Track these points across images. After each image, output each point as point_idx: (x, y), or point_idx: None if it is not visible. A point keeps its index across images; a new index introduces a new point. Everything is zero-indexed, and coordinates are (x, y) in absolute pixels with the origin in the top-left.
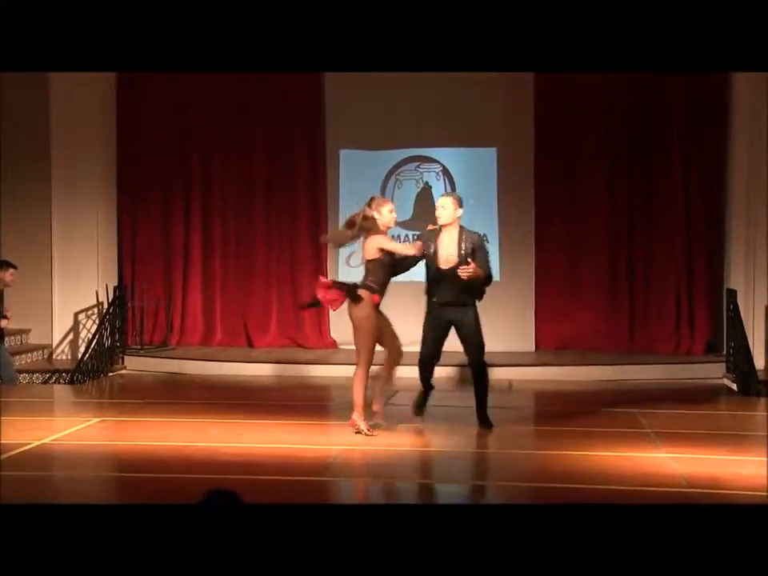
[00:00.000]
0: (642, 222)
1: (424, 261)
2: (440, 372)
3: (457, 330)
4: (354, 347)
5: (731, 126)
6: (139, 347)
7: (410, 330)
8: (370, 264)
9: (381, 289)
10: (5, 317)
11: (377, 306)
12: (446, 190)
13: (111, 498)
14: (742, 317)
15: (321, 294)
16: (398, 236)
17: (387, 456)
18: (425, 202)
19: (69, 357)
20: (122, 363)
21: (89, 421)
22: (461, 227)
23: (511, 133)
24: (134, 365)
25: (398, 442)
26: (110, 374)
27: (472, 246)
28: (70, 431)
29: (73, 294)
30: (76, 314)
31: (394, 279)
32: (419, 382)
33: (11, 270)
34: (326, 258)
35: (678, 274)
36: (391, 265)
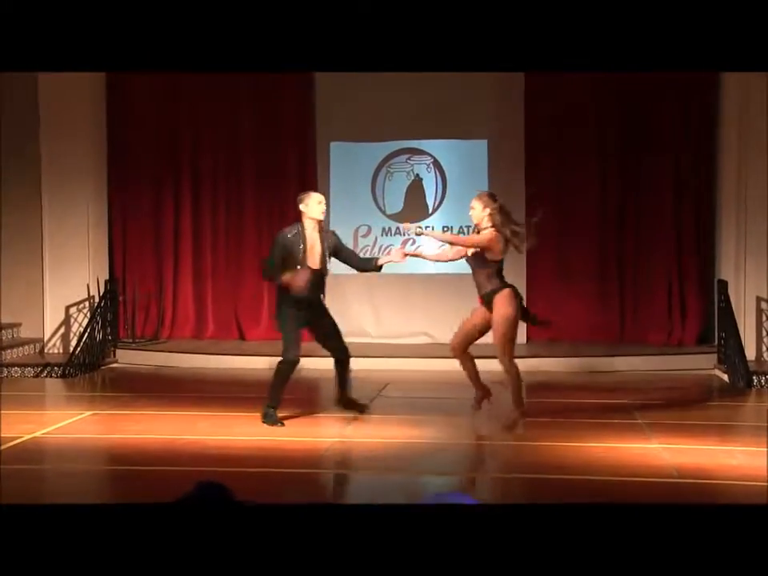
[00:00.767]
0: (633, 213)
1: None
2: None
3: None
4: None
5: (722, 117)
6: (131, 340)
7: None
8: None
9: None
10: None
11: None
12: (436, 182)
13: (102, 491)
14: (733, 308)
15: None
16: (390, 228)
17: (378, 448)
18: (415, 195)
19: (60, 350)
20: (114, 357)
21: (80, 414)
22: (320, 225)
23: (502, 125)
24: (126, 358)
25: (390, 434)
26: (102, 367)
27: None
28: (62, 425)
29: (64, 288)
30: (67, 308)
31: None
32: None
33: None
34: None
35: (669, 264)
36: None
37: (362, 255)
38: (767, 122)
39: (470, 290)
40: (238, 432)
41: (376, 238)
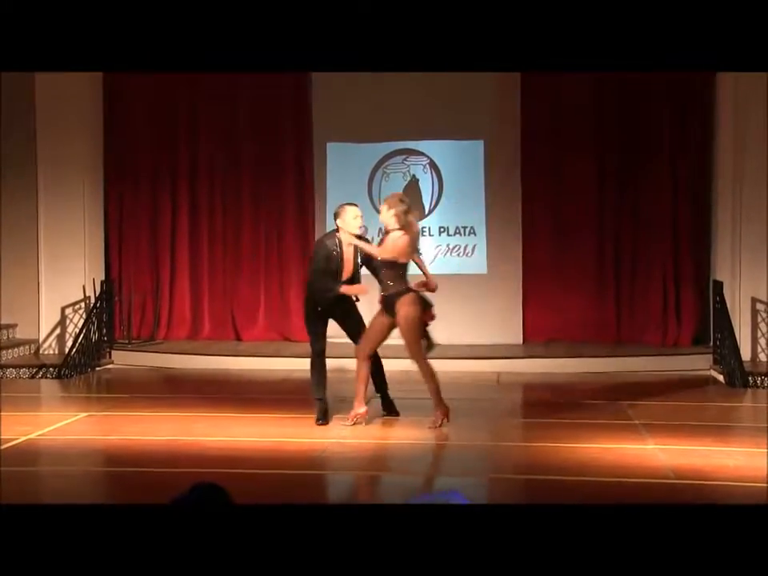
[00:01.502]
0: (629, 213)
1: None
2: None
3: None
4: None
5: (718, 117)
6: (127, 341)
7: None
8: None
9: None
10: None
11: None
12: (432, 183)
13: (98, 493)
14: (728, 308)
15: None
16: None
17: (378, 449)
18: (412, 195)
19: (56, 351)
20: (110, 357)
21: (76, 415)
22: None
23: (498, 125)
24: (122, 359)
25: (390, 435)
26: (98, 368)
27: None
28: (57, 426)
29: (60, 289)
30: (63, 309)
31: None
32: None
33: None
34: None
35: (665, 265)
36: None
37: None
38: (764, 122)
39: (470, 291)
40: (235, 433)
41: (372, 239)
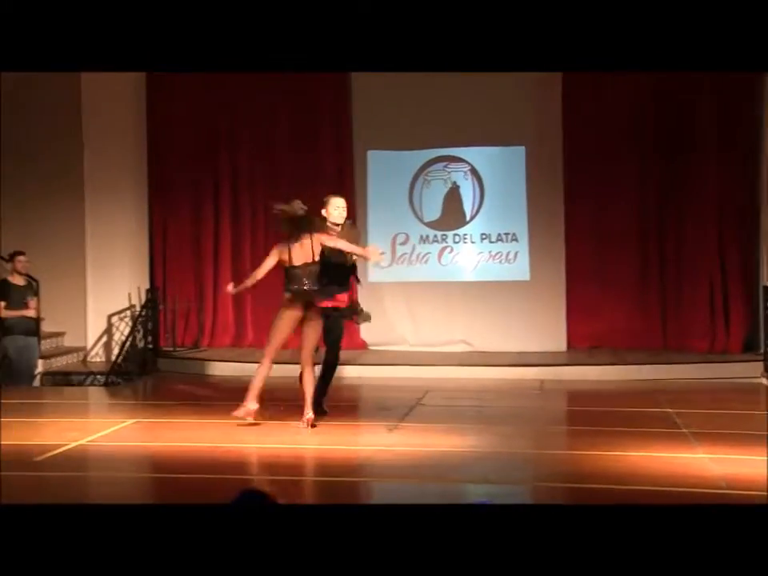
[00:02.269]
0: (674, 217)
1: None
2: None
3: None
4: (384, 348)
5: (765, 117)
6: (171, 349)
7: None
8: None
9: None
10: (26, 306)
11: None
12: (474, 190)
13: (145, 498)
14: None
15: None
16: (428, 236)
17: (418, 456)
18: (453, 202)
19: (103, 359)
20: (155, 365)
21: (123, 422)
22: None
23: (539, 130)
24: (167, 366)
25: (430, 442)
26: (144, 375)
27: None
28: (106, 432)
29: (106, 297)
30: (109, 317)
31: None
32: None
33: (20, 258)
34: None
35: (712, 269)
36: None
37: (400, 263)
38: None
39: (513, 298)
40: (278, 440)
41: (414, 246)
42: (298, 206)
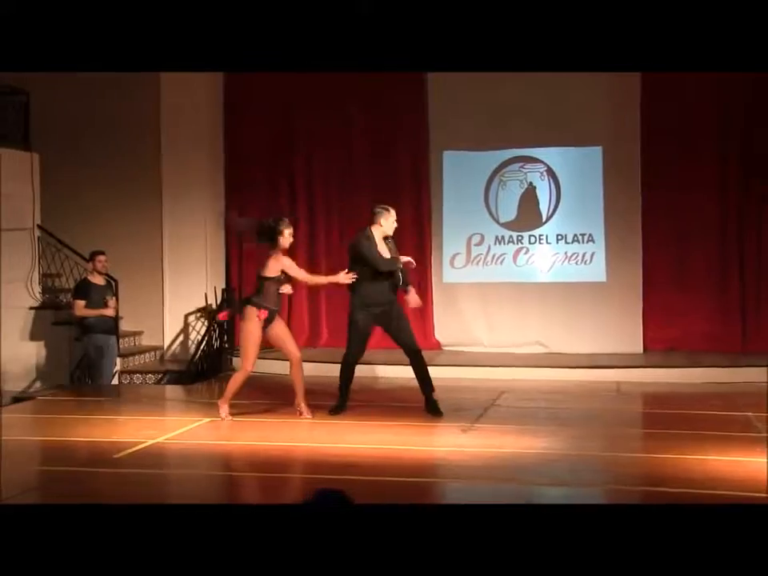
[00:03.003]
0: (755, 217)
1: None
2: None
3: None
4: (458, 348)
5: None
6: None
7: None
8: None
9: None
10: (106, 305)
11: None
12: (550, 190)
13: (221, 496)
14: None
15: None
16: (503, 236)
17: (493, 457)
18: (529, 203)
19: (180, 358)
20: (231, 364)
21: (199, 420)
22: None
23: (617, 130)
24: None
25: (505, 444)
26: (219, 374)
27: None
28: (182, 431)
29: (183, 296)
30: (186, 316)
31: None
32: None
33: (100, 257)
34: (430, 260)
35: None
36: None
37: (475, 264)
38: None
39: (589, 299)
40: (353, 440)
41: (489, 247)
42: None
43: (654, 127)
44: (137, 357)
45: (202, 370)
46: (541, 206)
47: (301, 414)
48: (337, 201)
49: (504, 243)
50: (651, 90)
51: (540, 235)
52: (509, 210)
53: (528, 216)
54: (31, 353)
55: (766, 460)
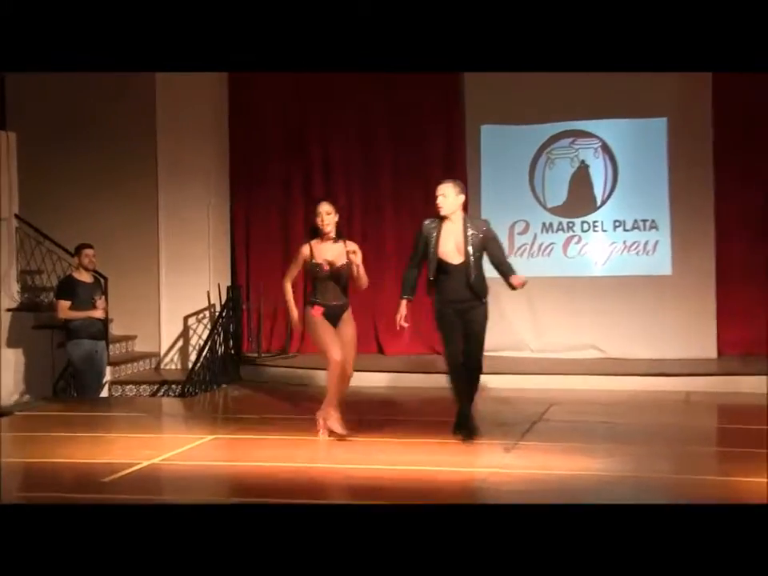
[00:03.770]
0: None
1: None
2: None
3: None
4: (500, 354)
5: None
6: (256, 355)
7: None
8: None
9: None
10: (93, 306)
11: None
12: (605, 170)
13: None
14: None
15: None
16: (551, 223)
17: (539, 480)
18: (581, 184)
19: (178, 366)
20: (238, 373)
21: (202, 438)
22: (464, 216)
23: (685, 99)
24: (251, 375)
25: (553, 464)
26: (224, 385)
27: (482, 236)
28: (182, 450)
29: (182, 296)
30: (186, 318)
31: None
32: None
33: (87, 252)
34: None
35: None
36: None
37: (519, 255)
38: None
39: (653, 295)
40: (381, 460)
41: (535, 235)
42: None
43: (729, 95)
44: (129, 365)
45: (205, 379)
46: (595, 188)
47: (321, 429)
48: (358, 187)
49: (552, 231)
50: None
51: (594, 222)
52: (558, 193)
53: (580, 199)
54: (8, 361)
55: None
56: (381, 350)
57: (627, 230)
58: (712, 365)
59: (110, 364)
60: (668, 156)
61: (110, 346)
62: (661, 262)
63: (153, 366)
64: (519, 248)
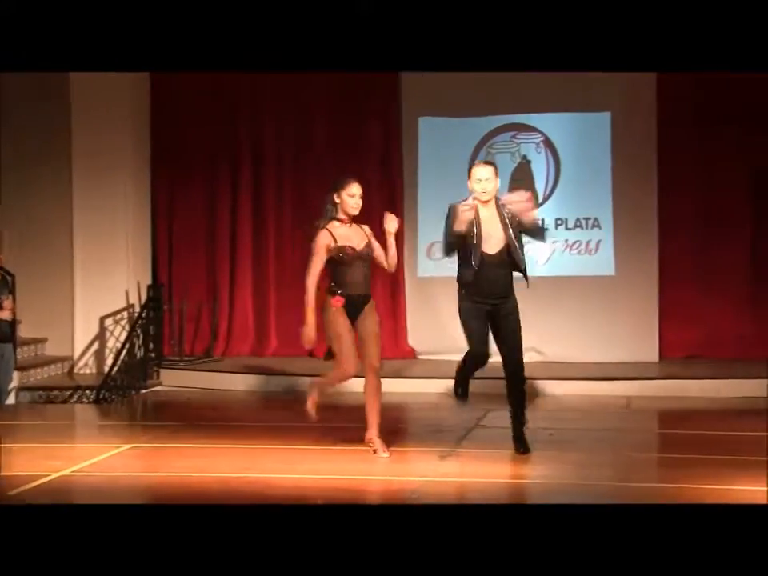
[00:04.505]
0: None
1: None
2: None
3: (496, 323)
4: (436, 357)
5: None
6: (178, 359)
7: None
8: None
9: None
10: (1, 306)
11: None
12: (547, 165)
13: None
14: None
15: None
16: None
17: (476, 489)
18: (522, 181)
19: (94, 370)
20: (158, 378)
21: (118, 447)
22: (497, 201)
23: (629, 94)
24: (172, 379)
25: (490, 472)
26: (143, 390)
27: (518, 220)
28: (96, 460)
29: (98, 296)
30: (102, 319)
31: None
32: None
33: None
34: (402, 250)
35: None
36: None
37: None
38: None
39: (594, 296)
40: (309, 469)
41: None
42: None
43: (673, 88)
44: (39, 369)
45: (122, 385)
46: (537, 185)
47: (375, 451)
48: (290, 181)
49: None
50: None
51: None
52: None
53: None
54: None
55: None
56: (311, 353)
57: (569, 229)
58: (654, 368)
59: (17, 368)
60: (611, 152)
61: (18, 349)
62: (604, 261)
63: (65, 371)
64: None
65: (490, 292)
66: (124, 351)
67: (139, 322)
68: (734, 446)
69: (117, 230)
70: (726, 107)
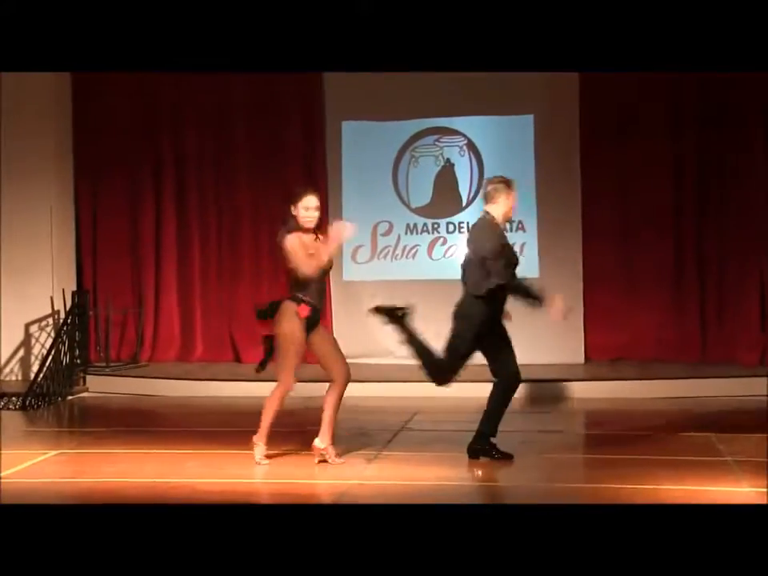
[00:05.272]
0: (715, 203)
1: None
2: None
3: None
4: (362, 360)
5: None
6: (104, 365)
7: None
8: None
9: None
10: None
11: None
12: (471, 168)
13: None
14: None
15: None
16: (416, 224)
17: (401, 493)
18: (446, 184)
19: (19, 377)
20: (84, 384)
21: (44, 454)
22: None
23: (551, 97)
24: (98, 386)
25: (417, 475)
26: (69, 397)
27: None
28: (22, 467)
29: (22, 302)
30: (27, 326)
31: None
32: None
33: None
34: None
35: (762, 269)
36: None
37: (382, 258)
38: None
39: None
40: (234, 474)
41: (399, 237)
42: None
43: (597, 92)
44: None
45: (48, 391)
46: (461, 188)
47: (325, 459)
48: (213, 189)
49: (417, 233)
50: None
51: (460, 223)
52: (422, 193)
53: (445, 200)
54: None
55: (729, 489)
56: (238, 358)
57: None
58: (579, 370)
59: None
60: (535, 155)
61: None
62: (528, 265)
63: None
64: (382, 250)
65: (502, 306)
66: (50, 358)
67: (64, 328)
68: (657, 445)
69: (40, 236)
70: (649, 109)
